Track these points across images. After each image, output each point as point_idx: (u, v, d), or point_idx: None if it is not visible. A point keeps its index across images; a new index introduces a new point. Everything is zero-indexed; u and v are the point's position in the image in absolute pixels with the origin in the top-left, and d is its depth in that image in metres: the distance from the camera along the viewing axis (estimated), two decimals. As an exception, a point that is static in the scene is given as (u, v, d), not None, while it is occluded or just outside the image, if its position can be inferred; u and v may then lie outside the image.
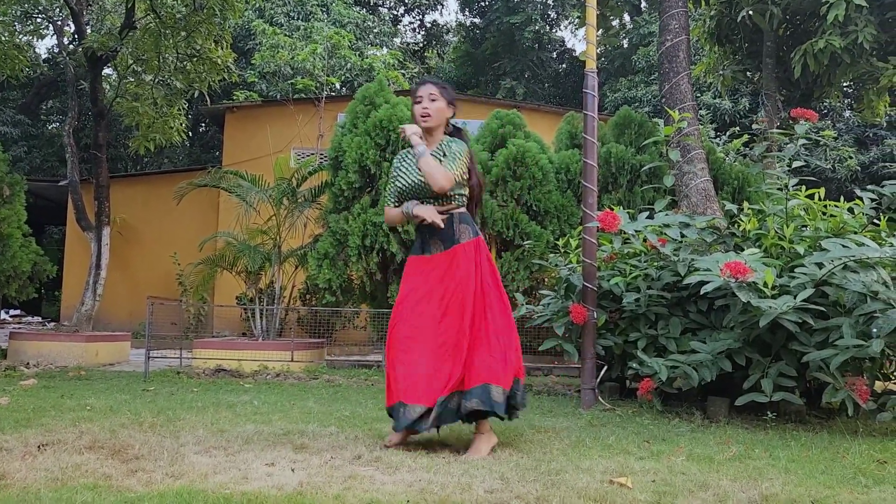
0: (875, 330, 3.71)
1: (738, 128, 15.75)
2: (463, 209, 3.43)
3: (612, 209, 5.25)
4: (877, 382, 4.72)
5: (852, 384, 3.87)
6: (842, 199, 4.65)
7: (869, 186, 4.68)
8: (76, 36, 10.87)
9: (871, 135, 15.87)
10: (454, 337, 3.24)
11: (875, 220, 4.67)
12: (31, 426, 3.57)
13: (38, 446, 2.98)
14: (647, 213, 4.96)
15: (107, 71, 11.27)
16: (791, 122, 4.51)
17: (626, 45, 22.13)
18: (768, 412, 4.20)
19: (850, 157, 14.56)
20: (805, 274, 4.01)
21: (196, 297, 8.25)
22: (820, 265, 3.98)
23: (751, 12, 7.15)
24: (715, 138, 15.57)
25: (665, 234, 4.72)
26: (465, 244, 3.35)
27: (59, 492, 2.35)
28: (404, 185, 3.42)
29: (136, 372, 6.83)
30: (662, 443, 3.55)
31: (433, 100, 3.39)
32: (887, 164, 15.49)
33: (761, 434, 3.89)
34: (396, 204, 3.48)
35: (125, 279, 12.53)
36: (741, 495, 2.52)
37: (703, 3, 8.86)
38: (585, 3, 5.17)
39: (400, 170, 3.47)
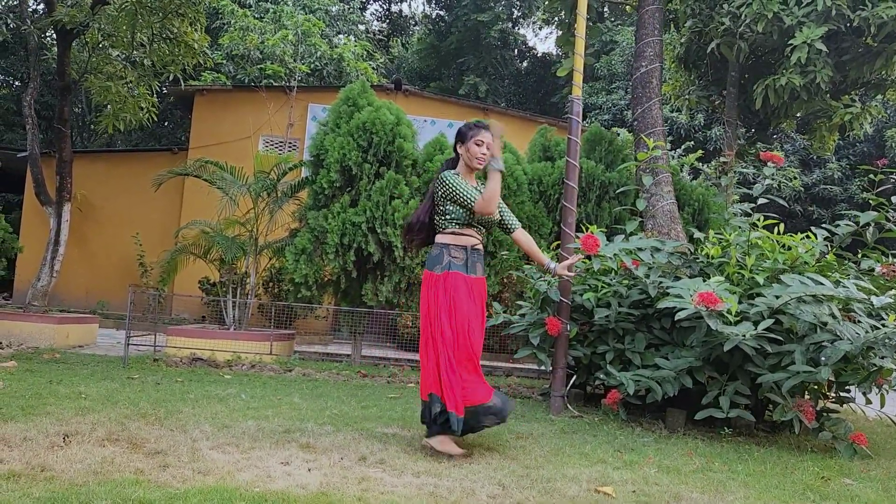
0: (824, 358, 4.14)
1: (692, 142, 16.41)
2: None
3: (586, 226, 5.60)
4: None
5: (800, 405, 4.30)
6: (781, 230, 5.06)
7: (823, 225, 5.13)
8: (44, 5, 10.61)
9: (815, 158, 16.74)
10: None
11: (825, 254, 5.12)
12: (39, 414, 3.70)
13: (63, 438, 3.13)
14: (622, 237, 5.31)
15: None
16: (760, 162, 4.91)
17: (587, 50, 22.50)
18: (725, 427, 4.61)
19: (795, 178, 15.37)
20: (764, 303, 4.41)
21: (165, 284, 8.27)
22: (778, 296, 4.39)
23: (720, 44, 7.57)
24: (670, 150, 16.18)
25: (638, 256, 5.08)
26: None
27: (105, 486, 2.53)
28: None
29: (108, 356, 6.89)
30: (632, 452, 3.90)
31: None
32: (828, 186, 16.38)
33: (717, 447, 4.29)
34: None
35: (83, 256, 12.36)
36: (712, 507, 2.89)
37: (671, 26, 9.29)
38: (575, 34, 5.48)
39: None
